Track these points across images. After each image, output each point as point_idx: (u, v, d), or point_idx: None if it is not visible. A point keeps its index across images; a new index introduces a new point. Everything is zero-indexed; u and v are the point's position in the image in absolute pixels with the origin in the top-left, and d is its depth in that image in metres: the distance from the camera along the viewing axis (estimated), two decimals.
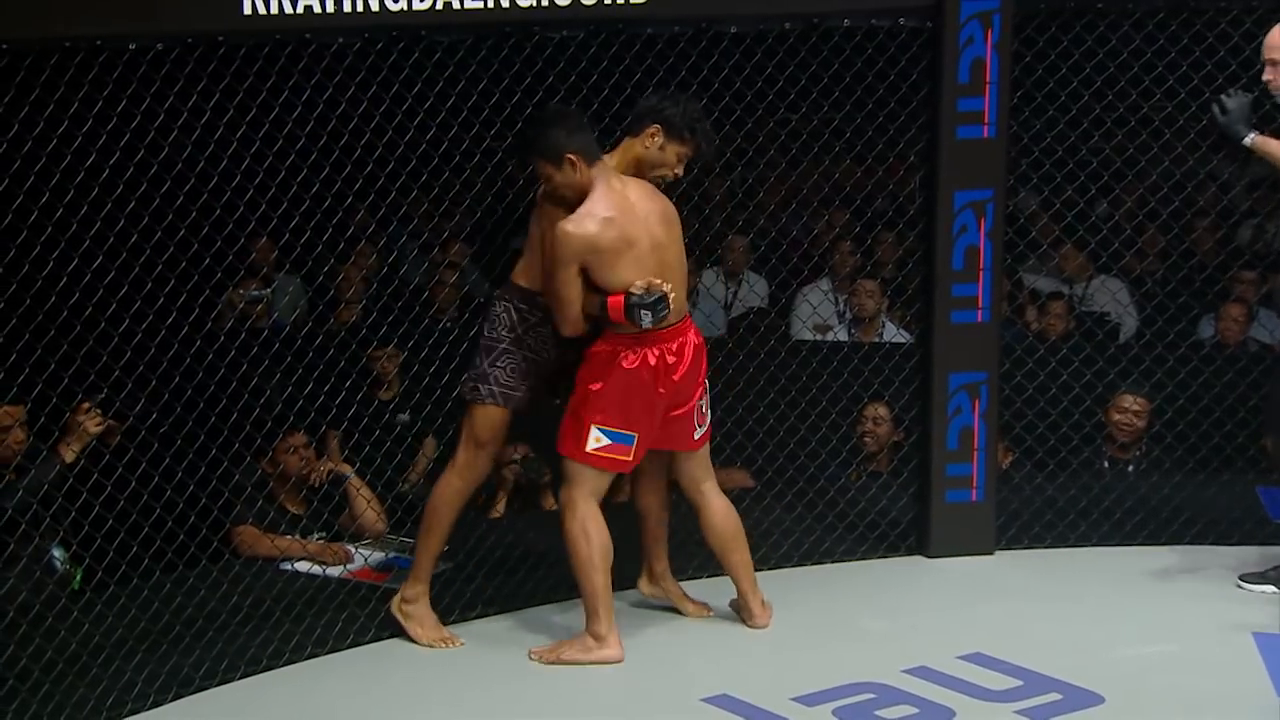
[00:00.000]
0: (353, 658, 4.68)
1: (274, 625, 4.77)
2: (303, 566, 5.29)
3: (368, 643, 4.73)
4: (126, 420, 5.03)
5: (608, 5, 4.67)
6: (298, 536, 5.39)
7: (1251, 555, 5.14)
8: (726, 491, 4.81)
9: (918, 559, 5.31)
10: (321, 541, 5.42)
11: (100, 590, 4.69)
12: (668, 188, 4.56)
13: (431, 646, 4.67)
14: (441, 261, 6.96)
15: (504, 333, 4.55)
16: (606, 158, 4.42)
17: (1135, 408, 5.95)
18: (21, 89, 4.17)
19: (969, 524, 5.28)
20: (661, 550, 4.84)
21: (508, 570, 5.10)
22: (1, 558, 4.50)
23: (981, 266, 5.13)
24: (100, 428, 4.96)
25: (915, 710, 4.23)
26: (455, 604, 4.90)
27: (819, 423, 5.60)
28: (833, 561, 5.29)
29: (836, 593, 5.05)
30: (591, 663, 4.48)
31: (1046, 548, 5.35)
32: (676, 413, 4.49)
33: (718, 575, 5.08)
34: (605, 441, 4.43)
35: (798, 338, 6.79)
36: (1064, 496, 5.58)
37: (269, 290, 6.84)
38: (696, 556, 5.09)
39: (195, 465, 4.84)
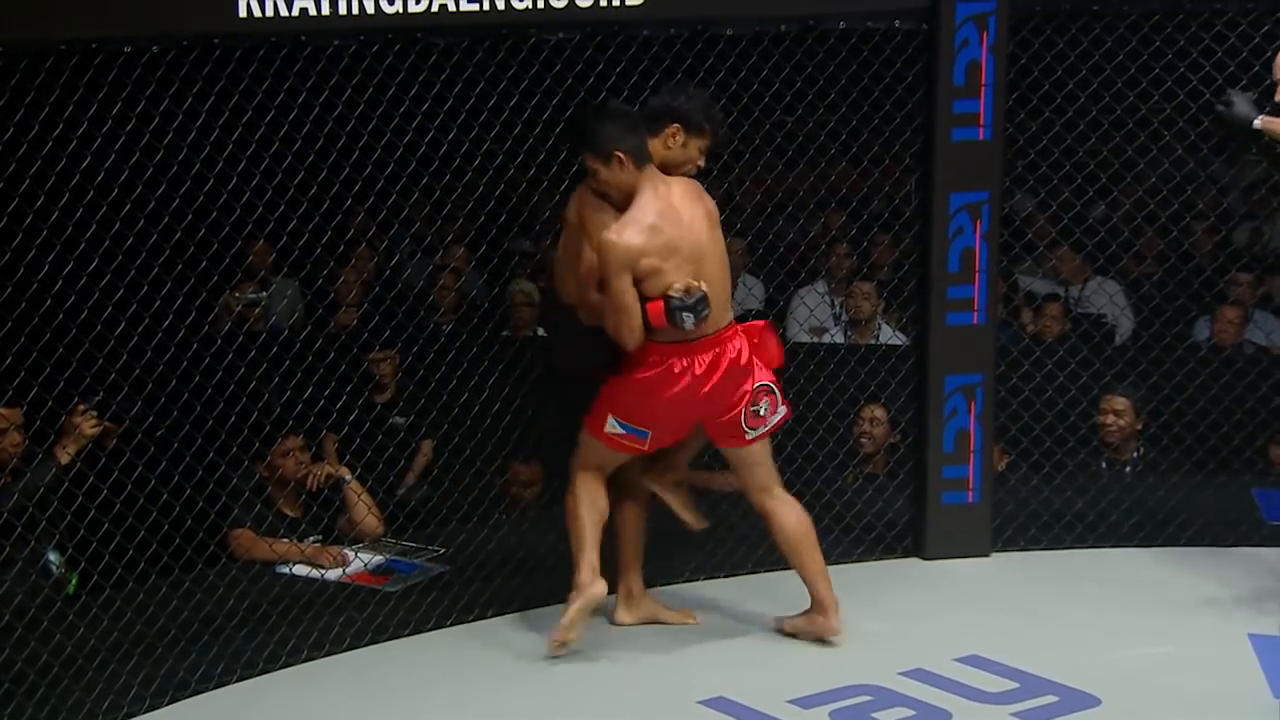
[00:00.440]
0: (349, 661, 4.67)
1: (270, 629, 4.77)
2: (299, 570, 5.29)
3: (364, 646, 4.73)
4: (123, 423, 5.03)
5: (603, 7, 4.67)
6: (294, 540, 5.39)
7: (1249, 556, 5.15)
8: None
9: (914, 561, 5.31)
10: (318, 545, 5.41)
11: (96, 593, 4.69)
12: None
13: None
14: (441, 265, 6.97)
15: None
16: None
17: (1118, 408, 5.96)
18: (17, 91, 4.16)
19: (965, 526, 5.28)
20: (638, 566, 4.77)
21: (506, 573, 5.10)
22: None
23: (977, 269, 5.14)
24: (96, 430, 4.96)
25: (912, 712, 4.23)
26: (453, 607, 4.90)
27: (815, 425, 5.60)
28: (829, 563, 5.26)
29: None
30: (580, 608, 4.45)
31: (1042, 550, 5.35)
32: (720, 419, 4.46)
33: (714, 578, 5.10)
34: (619, 430, 4.46)
35: (794, 340, 6.78)
36: (1060, 499, 5.58)
37: (266, 293, 6.84)
38: (693, 559, 5.09)
39: (192, 469, 4.84)
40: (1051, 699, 4.27)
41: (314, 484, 5.53)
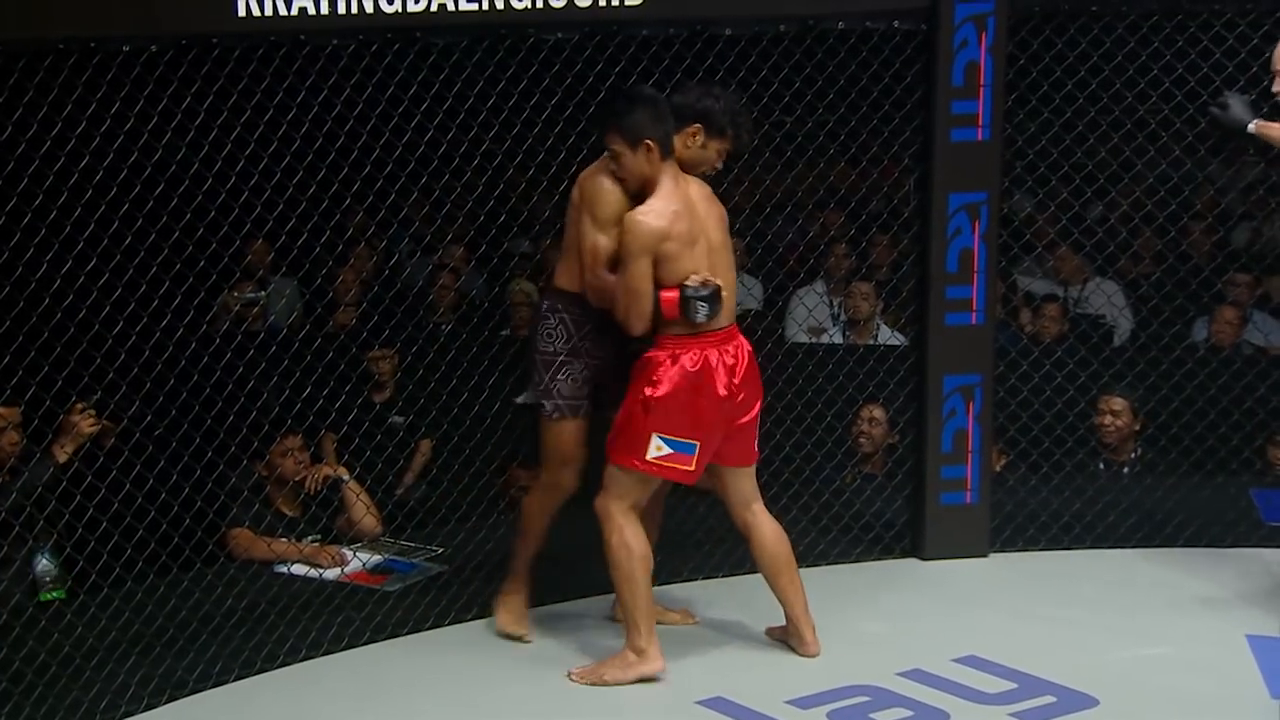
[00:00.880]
0: (347, 660, 4.67)
1: (268, 628, 4.77)
2: (298, 569, 5.29)
3: (362, 646, 4.73)
4: (121, 422, 5.03)
5: (602, 7, 4.67)
6: (293, 540, 5.39)
7: (1246, 557, 5.15)
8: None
9: (912, 561, 5.31)
10: (316, 544, 5.41)
11: (94, 592, 4.69)
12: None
13: (500, 632, 4.70)
14: (440, 264, 6.97)
15: (561, 345, 4.48)
16: None
17: (1116, 409, 5.96)
18: (15, 90, 4.17)
19: (963, 526, 5.28)
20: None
21: (505, 573, 5.09)
22: None
23: (976, 269, 5.14)
24: (94, 428, 4.96)
25: (910, 713, 4.23)
26: (451, 606, 4.90)
27: (814, 425, 5.60)
28: (827, 564, 5.28)
29: (831, 595, 5.03)
30: (634, 680, 4.38)
31: (1040, 550, 5.35)
32: (742, 420, 4.40)
33: (712, 578, 5.10)
34: (666, 450, 4.30)
35: (793, 340, 6.78)
36: (1058, 499, 5.58)
37: (264, 293, 6.84)
38: (691, 559, 5.09)
39: (190, 468, 4.84)
40: (1049, 699, 4.27)
41: (312, 486, 5.53)
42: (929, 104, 5.07)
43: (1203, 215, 6.95)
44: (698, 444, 4.31)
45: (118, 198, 4.44)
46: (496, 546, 5.24)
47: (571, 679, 4.44)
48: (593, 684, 4.41)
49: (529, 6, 4.62)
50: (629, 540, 4.34)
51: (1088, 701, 4.25)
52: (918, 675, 4.43)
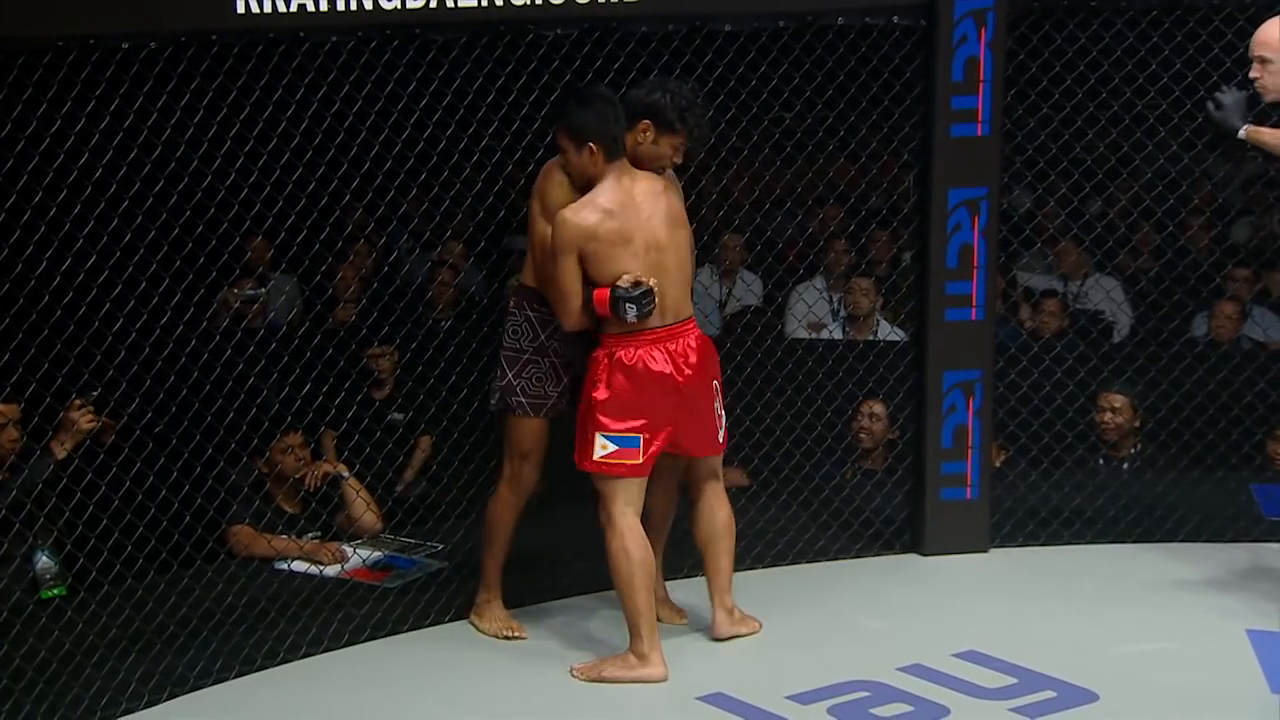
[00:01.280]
0: (348, 657, 4.68)
1: (269, 625, 4.77)
2: (298, 566, 5.29)
3: (363, 642, 4.74)
4: (121, 418, 5.03)
5: (601, 3, 4.67)
6: (293, 536, 5.39)
7: (1246, 552, 5.15)
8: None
9: (912, 557, 5.31)
10: (317, 541, 5.41)
11: (95, 589, 4.69)
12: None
13: (498, 636, 4.71)
14: (439, 261, 6.96)
15: (526, 343, 4.53)
16: None
17: (1116, 405, 5.96)
18: (14, 87, 4.16)
19: (963, 522, 5.28)
20: (658, 556, 4.73)
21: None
22: None
23: (975, 264, 5.14)
24: (94, 425, 4.96)
25: (910, 708, 4.23)
26: (451, 602, 4.90)
27: (814, 421, 5.60)
28: (827, 560, 5.29)
29: (831, 591, 5.05)
30: (633, 681, 4.40)
31: (1040, 546, 5.35)
32: (693, 416, 4.44)
33: None
34: (612, 448, 4.36)
35: (792, 336, 6.78)
36: (1058, 495, 5.58)
37: (264, 289, 6.83)
38: (691, 556, 5.09)
39: (190, 465, 4.84)
40: (1049, 694, 4.27)
41: (312, 483, 5.53)
42: (928, 99, 5.07)
43: (1201, 210, 6.95)
44: (641, 437, 4.36)
45: (117, 195, 4.43)
46: None
47: (573, 675, 4.45)
48: (593, 680, 4.42)
49: (528, 3, 4.62)
50: (628, 546, 4.37)
51: (1088, 696, 4.25)
52: (918, 670, 4.43)
